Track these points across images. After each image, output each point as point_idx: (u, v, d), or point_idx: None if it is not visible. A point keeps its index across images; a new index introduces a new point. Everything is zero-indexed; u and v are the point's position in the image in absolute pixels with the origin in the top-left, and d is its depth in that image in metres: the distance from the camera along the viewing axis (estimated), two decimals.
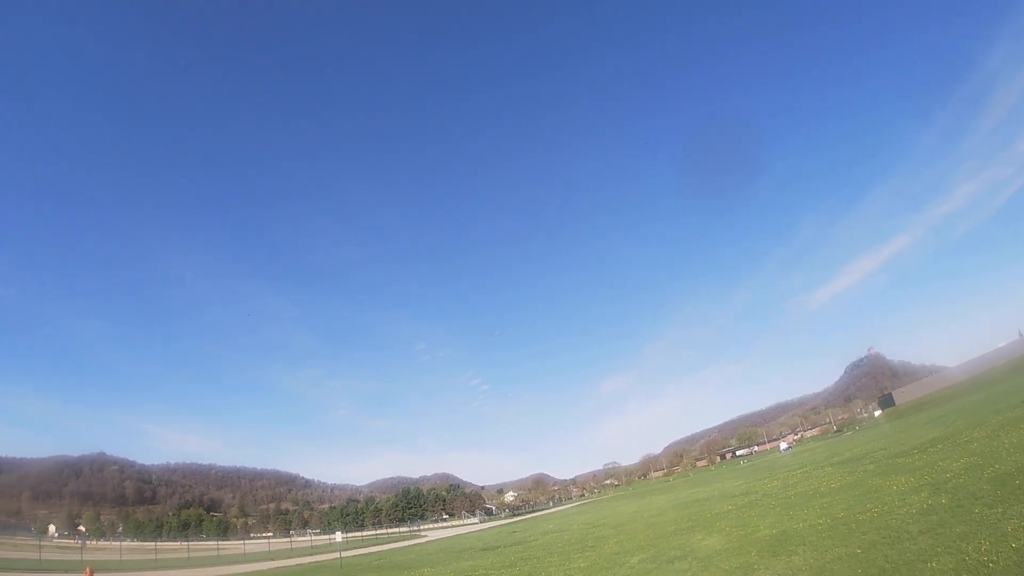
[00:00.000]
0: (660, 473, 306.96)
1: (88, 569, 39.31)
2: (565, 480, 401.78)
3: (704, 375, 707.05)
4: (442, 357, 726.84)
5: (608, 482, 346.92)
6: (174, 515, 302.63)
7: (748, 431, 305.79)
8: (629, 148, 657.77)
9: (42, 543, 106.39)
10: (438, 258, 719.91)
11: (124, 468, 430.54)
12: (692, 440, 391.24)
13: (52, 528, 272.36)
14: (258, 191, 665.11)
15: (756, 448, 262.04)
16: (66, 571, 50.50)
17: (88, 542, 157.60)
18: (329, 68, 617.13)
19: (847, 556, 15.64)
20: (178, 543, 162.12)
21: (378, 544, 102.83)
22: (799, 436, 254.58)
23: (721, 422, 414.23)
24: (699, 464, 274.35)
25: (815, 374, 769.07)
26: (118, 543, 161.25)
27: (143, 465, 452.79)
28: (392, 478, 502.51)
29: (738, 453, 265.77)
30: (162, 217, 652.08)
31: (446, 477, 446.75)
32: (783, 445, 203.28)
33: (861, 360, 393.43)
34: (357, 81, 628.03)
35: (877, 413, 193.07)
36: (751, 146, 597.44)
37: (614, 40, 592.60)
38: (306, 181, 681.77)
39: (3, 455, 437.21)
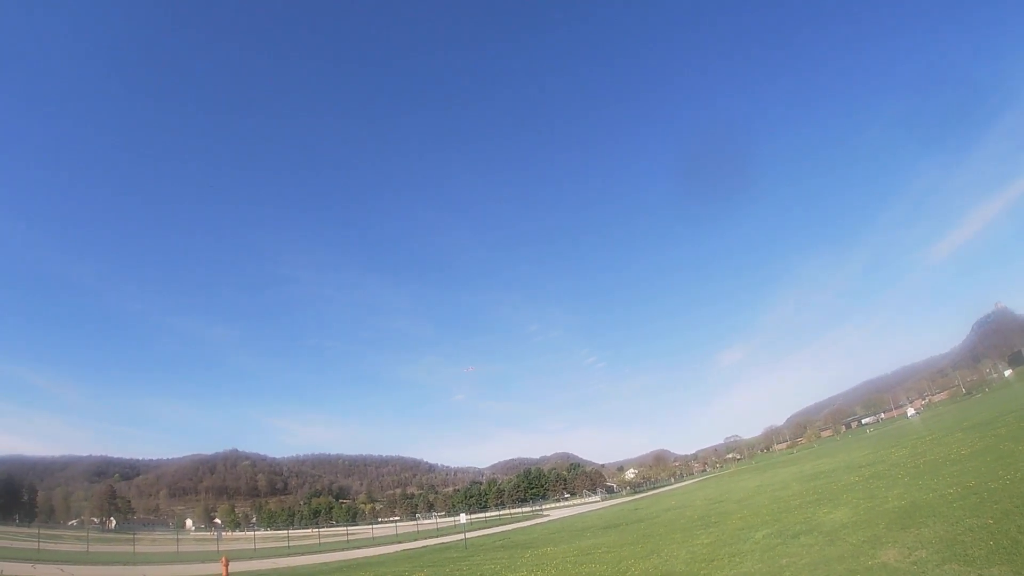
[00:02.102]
0: (783, 445, 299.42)
1: (224, 559, 41.17)
2: (686, 455, 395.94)
3: (825, 341, 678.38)
4: (555, 337, 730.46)
5: (730, 456, 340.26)
6: (305, 504, 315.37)
7: (873, 398, 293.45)
8: (728, 112, 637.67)
9: (180, 536, 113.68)
10: (545, 240, 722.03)
11: (256, 462, 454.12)
12: (816, 409, 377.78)
13: (189, 522, 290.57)
14: (369, 188, 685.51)
15: (882, 415, 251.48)
16: (203, 562, 53.59)
17: (224, 533, 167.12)
18: (440, 66, 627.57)
19: (979, 527, 15.30)
20: (309, 530, 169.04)
21: (501, 524, 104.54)
22: (926, 400, 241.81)
23: (845, 389, 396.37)
24: (824, 434, 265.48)
25: (941, 334, 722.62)
26: (252, 533, 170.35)
27: (274, 458, 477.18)
28: (513, 459, 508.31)
29: (864, 421, 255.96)
30: (277, 218, 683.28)
31: (566, 456, 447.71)
32: (910, 411, 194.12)
33: (988, 317, 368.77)
34: (464, 77, 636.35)
35: (1007, 373, 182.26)
36: (856, 96, 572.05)
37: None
38: (415, 175, 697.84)
39: (141, 457, 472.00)
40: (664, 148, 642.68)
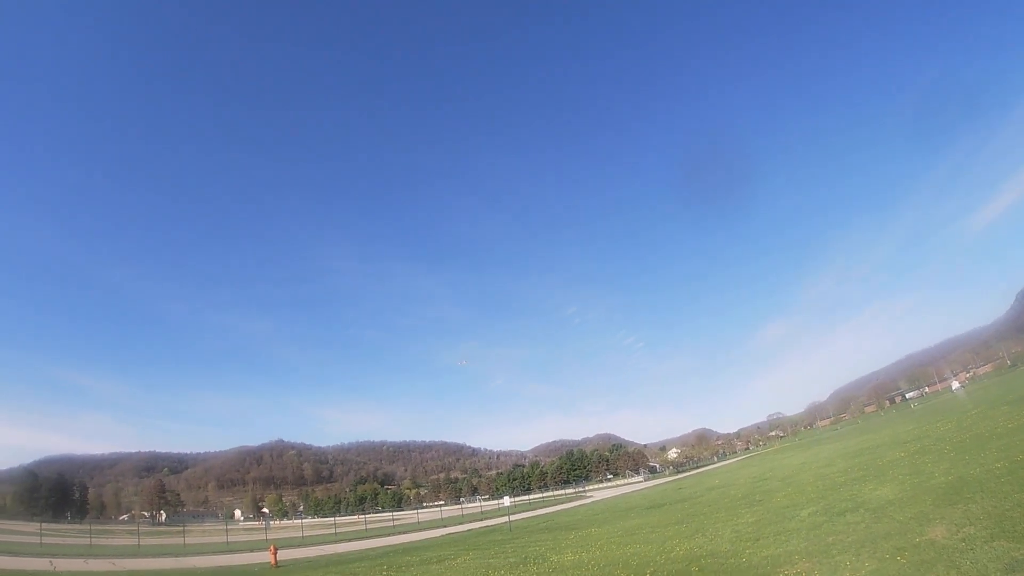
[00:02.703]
0: (827, 422, 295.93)
1: (272, 547, 42.25)
2: (728, 434, 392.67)
3: (867, 315, 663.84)
4: (594, 319, 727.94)
5: (773, 434, 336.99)
6: (351, 491, 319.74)
7: (917, 371, 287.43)
8: (766, 84, 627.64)
9: (229, 527, 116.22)
10: (582, 223, 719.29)
11: (301, 452, 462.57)
12: (859, 384, 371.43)
13: (238, 512, 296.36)
14: (403, 176, 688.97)
15: (926, 389, 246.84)
16: (252, 551, 54.78)
17: (272, 522, 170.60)
18: (472, 54, 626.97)
19: None
20: (356, 516, 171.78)
21: (545, 506, 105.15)
22: (971, 373, 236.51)
23: (888, 363, 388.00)
24: (867, 410, 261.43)
25: (984, 305, 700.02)
26: (300, 521, 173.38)
27: (319, 447, 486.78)
28: (555, 441, 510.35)
29: (908, 396, 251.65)
30: (313, 211, 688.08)
31: (608, 437, 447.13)
32: (955, 384, 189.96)
33: None
34: (496, 63, 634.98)
35: None
36: (889, 65, 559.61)
37: None
38: (449, 162, 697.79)
39: (189, 451, 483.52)
40: (697, 126, 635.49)
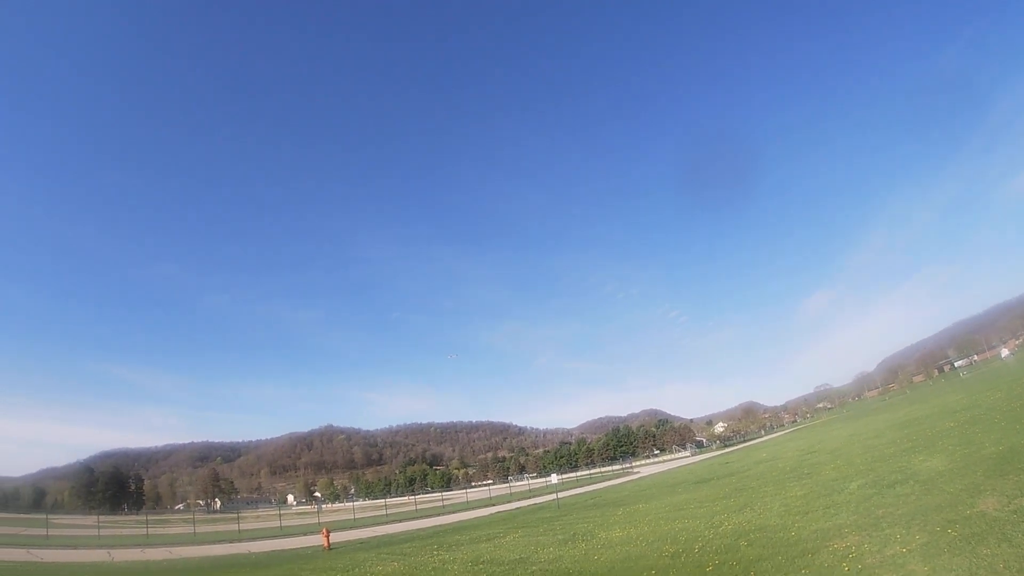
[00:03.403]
0: (875, 392, 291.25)
1: (325, 530, 43.08)
2: (775, 407, 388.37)
3: (913, 282, 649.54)
4: (635, 294, 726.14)
5: (820, 406, 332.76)
6: (400, 472, 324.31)
7: (965, 339, 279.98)
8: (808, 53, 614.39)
9: (282, 512, 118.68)
10: (618, 198, 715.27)
11: (351, 436, 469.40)
12: (906, 354, 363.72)
13: (291, 498, 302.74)
14: (437, 158, 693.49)
15: (975, 357, 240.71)
16: (305, 534, 55.66)
17: (324, 506, 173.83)
18: (505, 34, 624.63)
19: None
20: (406, 498, 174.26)
21: (592, 483, 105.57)
22: (1020, 340, 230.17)
23: (936, 331, 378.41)
24: (916, 379, 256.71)
25: None
26: (351, 504, 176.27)
27: (368, 431, 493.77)
28: (601, 418, 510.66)
29: (956, 364, 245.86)
30: (350, 198, 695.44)
31: (654, 413, 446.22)
32: (1004, 351, 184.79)
33: None
34: (528, 43, 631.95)
35: None
36: (929, 24, 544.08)
37: None
38: (483, 142, 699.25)
39: (241, 440, 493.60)
40: (735, 99, 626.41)
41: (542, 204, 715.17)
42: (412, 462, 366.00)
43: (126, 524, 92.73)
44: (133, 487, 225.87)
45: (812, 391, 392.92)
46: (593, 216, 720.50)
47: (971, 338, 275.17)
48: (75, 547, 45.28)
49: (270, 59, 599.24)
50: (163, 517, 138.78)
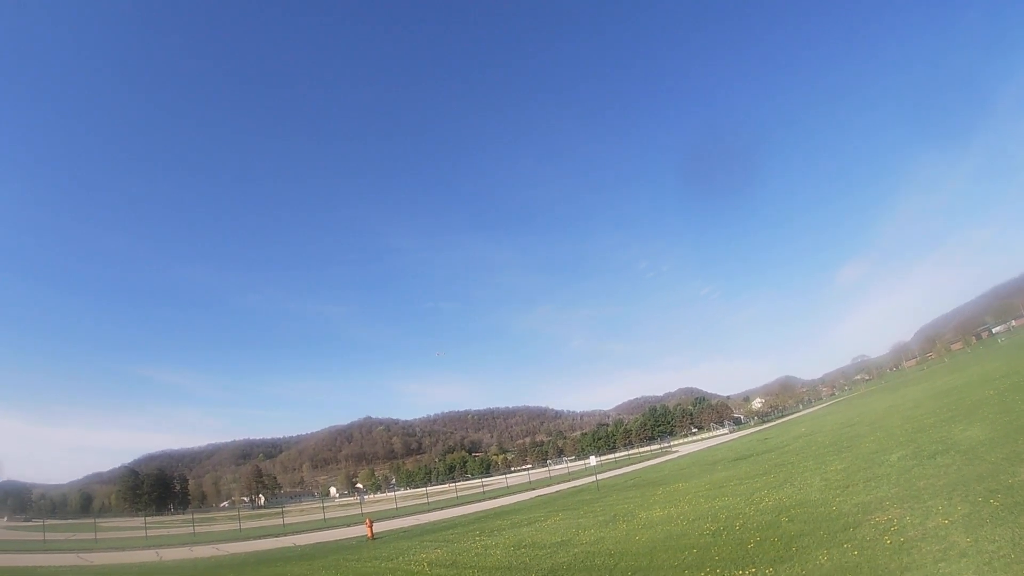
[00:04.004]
0: (913, 362, 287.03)
1: (368, 520, 43.72)
2: (813, 380, 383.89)
3: (947, 247, 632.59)
4: (666, 272, 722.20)
5: (858, 377, 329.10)
6: (440, 460, 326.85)
7: (1003, 304, 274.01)
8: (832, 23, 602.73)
9: (325, 504, 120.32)
10: (646, 176, 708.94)
11: (389, 426, 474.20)
12: (944, 321, 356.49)
13: (333, 490, 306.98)
14: (460, 145, 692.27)
15: (1013, 323, 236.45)
16: (348, 526, 56.72)
17: (366, 497, 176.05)
18: (515, 21, 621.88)
19: None
20: (446, 485, 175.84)
21: (631, 464, 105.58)
22: None
23: (973, 297, 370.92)
24: (953, 347, 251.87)
25: None
26: (392, 493, 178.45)
27: (406, 420, 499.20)
28: (637, 399, 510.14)
29: (995, 331, 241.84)
30: (376, 190, 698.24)
31: (690, 391, 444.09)
32: None
33: None
34: (555, 25, 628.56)
35: None
36: None
37: None
38: (501, 124, 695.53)
39: (282, 436, 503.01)
40: (752, 71, 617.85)
41: (569, 187, 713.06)
42: (451, 450, 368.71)
43: (173, 524, 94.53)
44: (178, 487, 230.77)
45: (849, 363, 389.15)
46: (621, 196, 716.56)
47: (1009, 303, 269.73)
48: (123, 549, 46.61)
49: (289, 57, 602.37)
50: (209, 515, 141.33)
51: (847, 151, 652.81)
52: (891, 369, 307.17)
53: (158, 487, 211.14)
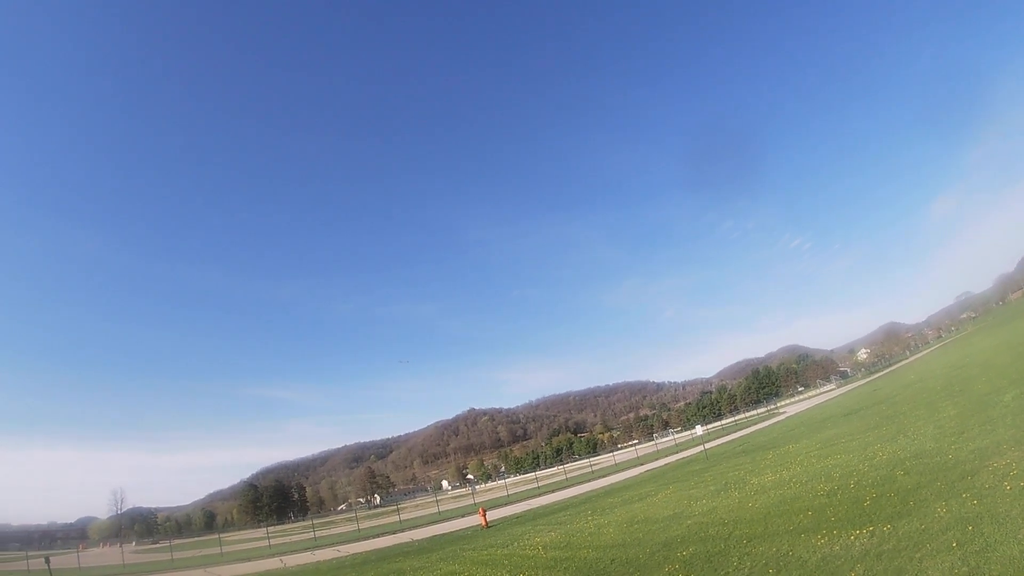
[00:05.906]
0: (1019, 293, 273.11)
1: (481, 509, 44.79)
2: (917, 324, 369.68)
3: None
4: (752, 229, 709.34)
5: (964, 316, 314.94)
6: (546, 444, 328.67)
7: None
8: None
9: (439, 498, 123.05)
10: (714, 129, 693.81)
11: (493, 416, 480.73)
12: None
13: (445, 483, 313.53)
14: (532, 123, 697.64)
15: None
16: (463, 516, 58.09)
17: (477, 487, 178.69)
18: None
19: None
20: (555, 468, 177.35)
21: (738, 430, 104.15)
22: None
23: None
24: None
25: None
26: (503, 481, 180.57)
27: (509, 409, 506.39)
28: (739, 362, 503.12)
29: None
30: (456, 183, 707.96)
31: (793, 349, 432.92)
32: None
33: None
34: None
35: None
36: None
37: None
38: (566, 100, 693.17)
39: (391, 436, 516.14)
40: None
41: (640, 155, 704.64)
42: (556, 433, 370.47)
43: (294, 531, 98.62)
44: (296, 496, 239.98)
45: (953, 301, 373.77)
46: (698, 159, 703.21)
47: None
48: (248, 559, 48.98)
49: (357, 61, 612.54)
50: (327, 519, 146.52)
51: (926, 85, 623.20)
52: (997, 303, 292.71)
53: (277, 498, 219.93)
